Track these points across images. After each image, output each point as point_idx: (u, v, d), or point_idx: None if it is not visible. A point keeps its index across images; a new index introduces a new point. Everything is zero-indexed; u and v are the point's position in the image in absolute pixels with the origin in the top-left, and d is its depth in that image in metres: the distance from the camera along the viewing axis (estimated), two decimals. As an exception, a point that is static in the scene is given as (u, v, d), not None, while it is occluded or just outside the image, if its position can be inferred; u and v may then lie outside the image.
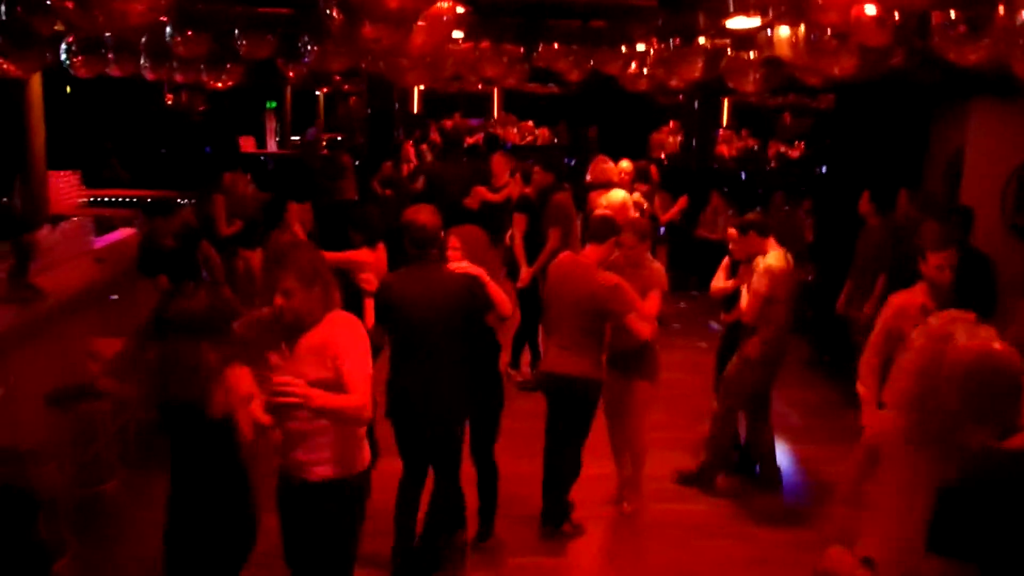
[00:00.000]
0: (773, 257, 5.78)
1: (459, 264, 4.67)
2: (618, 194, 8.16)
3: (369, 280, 5.71)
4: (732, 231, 6.02)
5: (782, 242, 6.04)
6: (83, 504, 5.39)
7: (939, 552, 2.24)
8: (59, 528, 4.83)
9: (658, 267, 5.71)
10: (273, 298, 3.49)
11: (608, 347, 5.48)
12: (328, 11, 4.15)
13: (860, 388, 4.82)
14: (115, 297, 6.92)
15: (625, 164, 8.71)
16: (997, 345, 2.44)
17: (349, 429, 3.60)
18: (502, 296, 4.71)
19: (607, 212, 6.52)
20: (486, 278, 4.64)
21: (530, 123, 17.49)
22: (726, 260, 6.21)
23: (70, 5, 3.02)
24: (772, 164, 14.72)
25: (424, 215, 4.72)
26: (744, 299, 5.91)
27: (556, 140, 17.17)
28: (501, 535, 5.43)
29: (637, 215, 8.26)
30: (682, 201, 9.61)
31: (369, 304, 5.12)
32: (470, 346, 4.69)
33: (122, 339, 3.51)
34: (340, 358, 3.45)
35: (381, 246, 6.16)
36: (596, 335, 5.27)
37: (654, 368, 5.68)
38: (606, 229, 5.34)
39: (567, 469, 5.45)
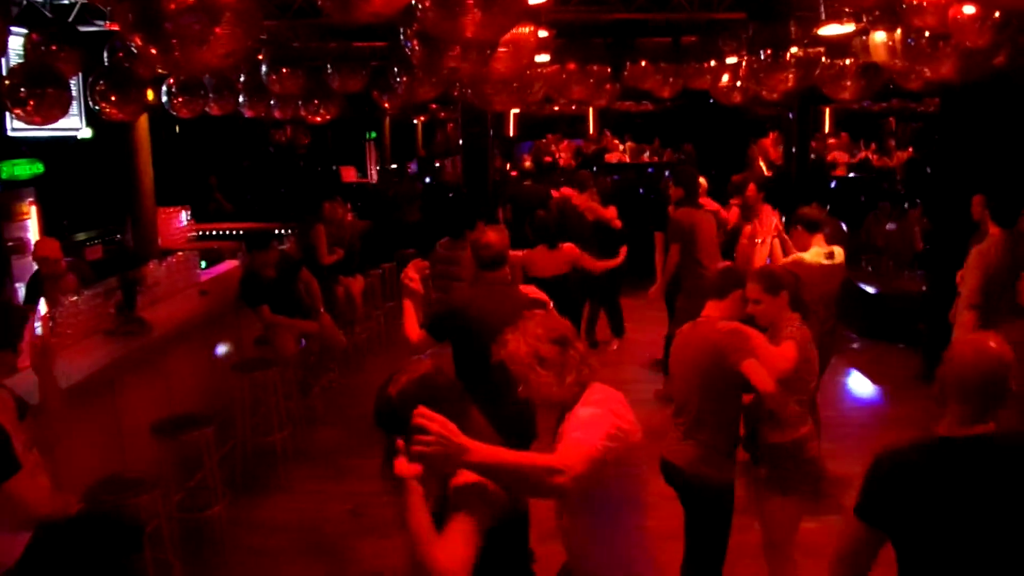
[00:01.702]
0: (810, 253, 5.74)
1: (528, 287, 4.59)
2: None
3: None
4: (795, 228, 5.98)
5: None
6: (188, 530, 5.54)
7: (859, 513, 2.54)
8: (165, 554, 4.98)
9: (804, 332, 4.28)
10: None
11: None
12: (409, 44, 4.21)
13: None
14: (223, 349, 7.13)
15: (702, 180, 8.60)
16: None
17: None
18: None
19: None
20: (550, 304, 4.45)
21: (616, 140, 17.32)
22: None
23: (154, 51, 3.13)
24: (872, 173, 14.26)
25: (492, 234, 4.65)
26: None
27: (654, 157, 16.98)
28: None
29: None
30: None
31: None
32: None
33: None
34: (569, 428, 2.80)
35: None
36: (723, 416, 4.08)
37: (796, 476, 4.19)
38: (726, 281, 4.31)
39: None
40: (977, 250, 5.78)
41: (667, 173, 10.53)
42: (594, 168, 13.64)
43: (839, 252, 5.91)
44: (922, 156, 13.98)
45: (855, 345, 9.87)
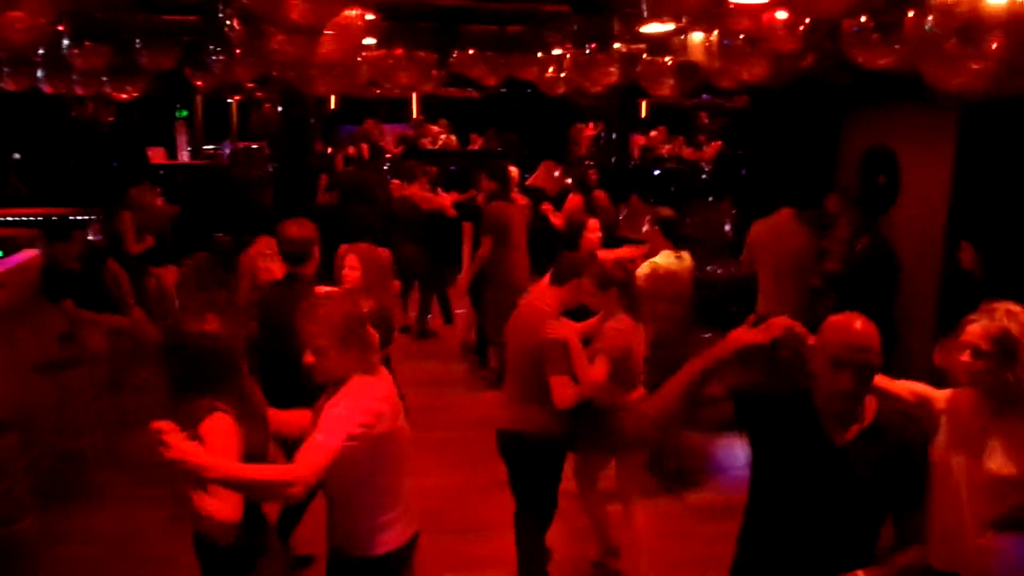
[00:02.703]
0: (661, 256, 6.04)
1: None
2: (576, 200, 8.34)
3: None
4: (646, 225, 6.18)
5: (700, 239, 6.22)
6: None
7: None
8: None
9: (612, 330, 4.66)
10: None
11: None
12: (229, 22, 3.98)
13: None
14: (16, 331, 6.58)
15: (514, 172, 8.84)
16: None
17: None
18: None
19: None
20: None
21: (437, 127, 17.20)
22: None
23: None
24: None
25: (293, 228, 4.67)
26: None
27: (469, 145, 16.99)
28: (428, 551, 5.34)
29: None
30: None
31: None
32: None
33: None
34: (321, 419, 3.11)
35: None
36: (543, 389, 4.51)
37: (619, 439, 4.75)
38: (567, 270, 4.61)
39: (526, 541, 4.76)
40: None
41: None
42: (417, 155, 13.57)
43: (686, 254, 6.18)
44: (732, 149, 14.74)
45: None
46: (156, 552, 5.28)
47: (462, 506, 5.77)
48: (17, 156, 13.15)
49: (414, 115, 18.14)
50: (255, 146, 15.05)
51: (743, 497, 6.15)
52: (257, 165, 13.36)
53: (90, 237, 7.77)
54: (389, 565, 3.40)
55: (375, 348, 3.36)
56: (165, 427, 2.63)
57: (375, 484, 3.31)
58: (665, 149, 15.92)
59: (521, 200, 8.34)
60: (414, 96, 17.54)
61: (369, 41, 6.82)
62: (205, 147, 17.02)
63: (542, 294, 4.72)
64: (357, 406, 3.11)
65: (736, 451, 6.91)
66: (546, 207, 8.67)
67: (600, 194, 9.36)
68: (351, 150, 13.80)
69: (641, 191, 9.71)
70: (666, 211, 6.35)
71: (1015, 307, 3.07)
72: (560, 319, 4.55)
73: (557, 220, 8.40)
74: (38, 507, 5.50)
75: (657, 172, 14.11)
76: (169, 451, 2.61)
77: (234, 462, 2.86)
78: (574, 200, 9.10)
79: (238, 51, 6.53)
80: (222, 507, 2.82)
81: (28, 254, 7.42)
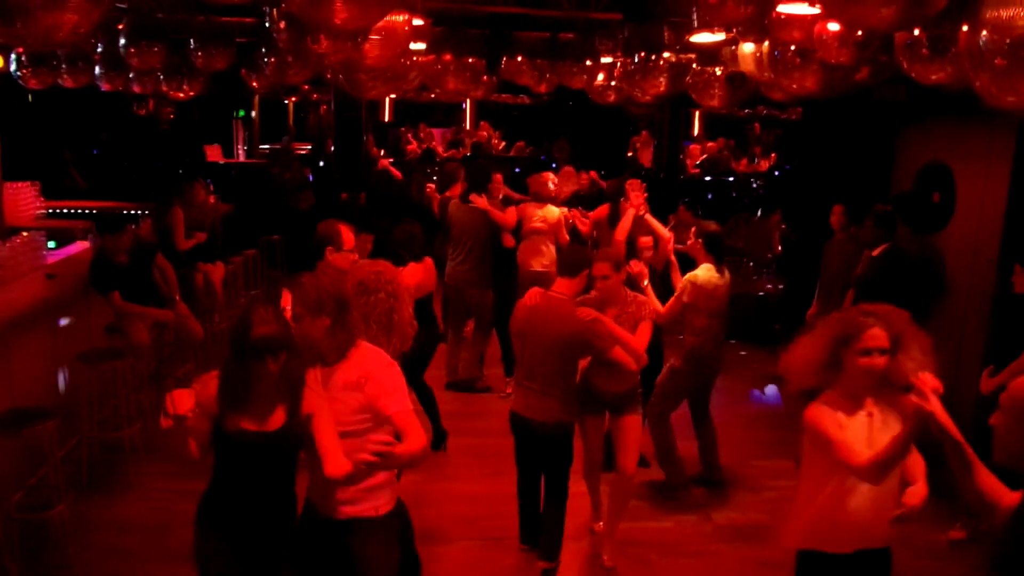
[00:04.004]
0: (702, 270, 6.03)
1: None
2: (553, 211, 8.22)
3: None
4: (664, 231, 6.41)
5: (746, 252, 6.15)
6: (29, 531, 5.20)
7: None
8: (1, 558, 4.66)
9: (642, 298, 5.17)
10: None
11: (599, 391, 5.19)
12: (275, 26, 4.02)
13: None
14: (64, 321, 6.71)
15: (553, 177, 8.74)
16: None
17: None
18: None
19: (542, 226, 7.84)
20: None
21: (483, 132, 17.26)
22: None
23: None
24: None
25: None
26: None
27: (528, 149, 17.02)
28: (462, 559, 5.36)
29: (567, 234, 8.34)
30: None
31: None
32: None
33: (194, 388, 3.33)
34: (382, 399, 3.38)
35: (428, 260, 6.31)
36: (572, 377, 4.98)
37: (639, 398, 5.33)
38: (577, 261, 4.95)
39: (552, 508, 5.12)
40: None
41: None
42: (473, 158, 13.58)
43: (725, 270, 6.14)
44: (784, 162, 14.55)
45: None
46: (188, 544, 5.35)
47: (497, 513, 5.73)
48: (69, 154, 13.39)
49: (467, 120, 18.25)
50: (280, 147, 15.22)
51: (769, 518, 6.10)
52: (288, 166, 13.48)
53: (139, 231, 7.88)
54: (391, 523, 3.61)
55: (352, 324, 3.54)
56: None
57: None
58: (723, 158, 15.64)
59: (481, 204, 8.04)
60: (467, 101, 17.62)
61: (419, 46, 6.85)
62: (262, 146, 17.28)
63: (553, 287, 4.95)
64: (395, 370, 3.50)
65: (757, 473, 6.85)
66: (574, 212, 8.56)
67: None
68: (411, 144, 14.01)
69: (688, 202, 9.57)
70: (712, 225, 6.30)
71: None
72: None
73: (584, 226, 8.32)
74: (74, 494, 5.61)
75: (708, 183, 13.97)
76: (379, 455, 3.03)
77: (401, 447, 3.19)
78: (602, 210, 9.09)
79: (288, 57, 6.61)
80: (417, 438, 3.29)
81: (80, 246, 7.58)
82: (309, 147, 16.12)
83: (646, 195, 6.65)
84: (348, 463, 3.22)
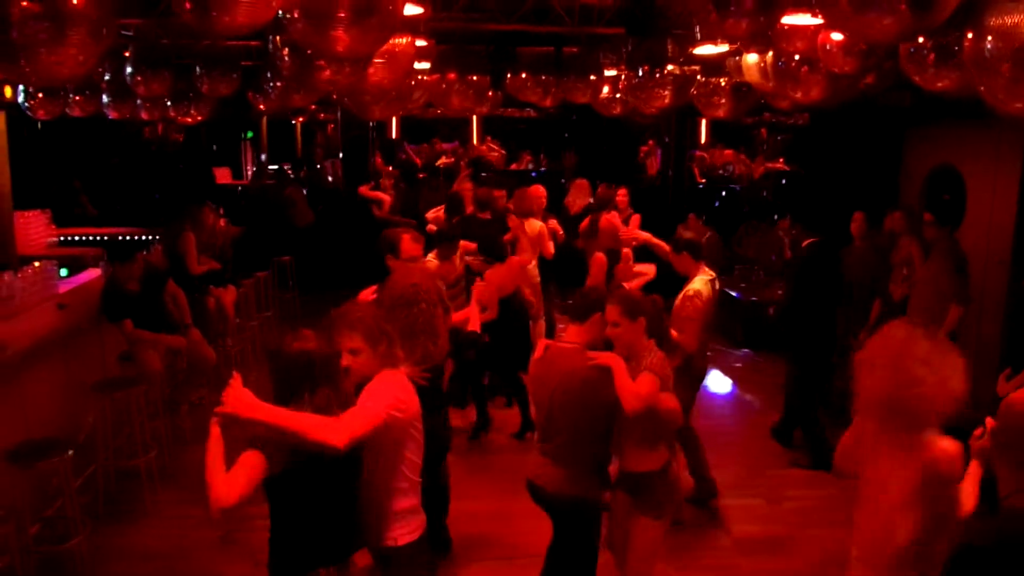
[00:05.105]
0: (700, 282, 5.75)
1: None
2: (535, 224, 8.25)
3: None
4: (667, 246, 6.07)
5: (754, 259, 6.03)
6: (47, 563, 5.21)
7: None
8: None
9: (659, 356, 4.17)
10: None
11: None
12: (279, 53, 4.05)
13: None
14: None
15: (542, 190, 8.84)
16: None
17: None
18: None
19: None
20: None
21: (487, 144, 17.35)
22: None
23: (-2, 63, 2.89)
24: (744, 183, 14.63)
25: None
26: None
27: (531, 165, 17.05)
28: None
29: (551, 244, 8.35)
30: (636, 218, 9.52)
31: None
32: None
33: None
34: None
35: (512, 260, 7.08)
36: (595, 445, 4.15)
37: (667, 500, 4.30)
38: (587, 305, 4.23)
39: None
40: None
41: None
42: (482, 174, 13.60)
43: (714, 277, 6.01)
44: (791, 167, 14.51)
45: (728, 354, 10.13)
46: (207, 570, 5.36)
47: (511, 532, 5.71)
48: (79, 183, 13.49)
49: (474, 135, 18.30)
50: (271, 167, 15.36)
51: (788, 531, 6.05)
52: (293, 186, 13.59)
53: (150, 257, 7.91)
54: (411, 555, 3.52)
55: (398, 343, 3.59)
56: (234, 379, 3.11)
57: (400, 469, 3.50)
58: (737, 166, 15.55)
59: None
60: (474, 116, 17.66)
61: (423, 65, 6.87)
62: (270, 167, 17.36)
63: (563, 336, 4.38)
64: (389, 392, 3.39)
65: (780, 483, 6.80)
66: (552, 223, 8.72)
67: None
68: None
69: (698, 211, 9.58)
70: (688, 234, 6.20)
71: None
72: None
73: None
74: (91, 524, 5.62)
75: (715, 191, 13.94)
76: (223, 406, 3.05)
77: (279, 409, 3.11)
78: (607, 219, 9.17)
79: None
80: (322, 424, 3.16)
81: (91, 274, 7.60)
82: (319, 166, 16.26)
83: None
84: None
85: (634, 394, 3.90)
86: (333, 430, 3.10)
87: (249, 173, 16.72)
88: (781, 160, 15.70)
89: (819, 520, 6.00)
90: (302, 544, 3.29)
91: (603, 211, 8.70)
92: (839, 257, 7.54)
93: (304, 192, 13.54)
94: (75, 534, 5.24)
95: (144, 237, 10.79)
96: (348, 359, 3.42)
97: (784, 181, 13.56)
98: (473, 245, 7.30)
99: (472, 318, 5.41)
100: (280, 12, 3.38)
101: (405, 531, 3.52)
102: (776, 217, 11.66)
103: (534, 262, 8.42)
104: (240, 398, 3.06)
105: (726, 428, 7.77)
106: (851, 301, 7.57)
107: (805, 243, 7.33)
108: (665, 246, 6.28)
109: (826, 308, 7.04)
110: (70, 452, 5.07)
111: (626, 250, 5.78)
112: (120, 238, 10.82)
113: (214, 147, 17.00)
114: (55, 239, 10.94)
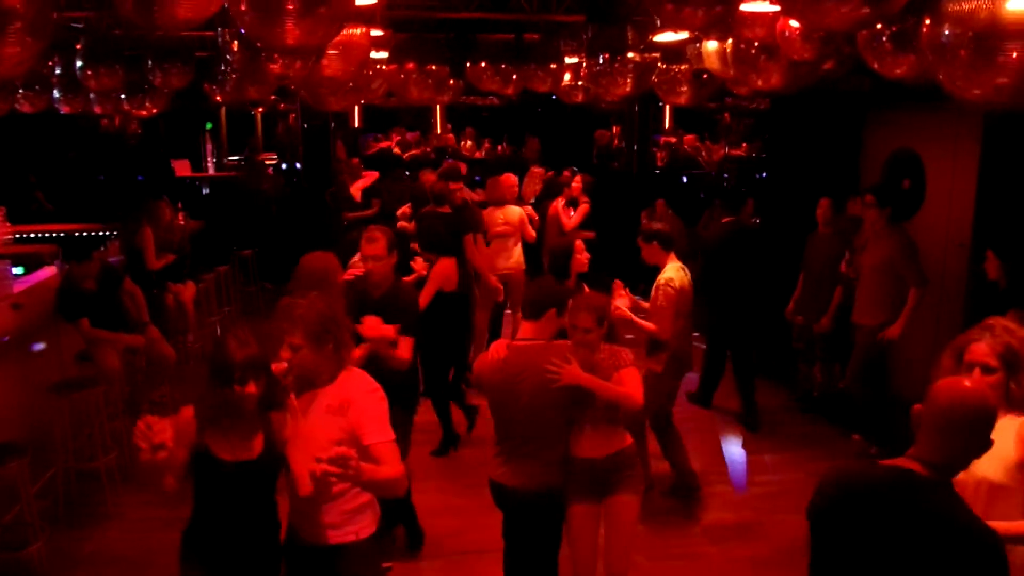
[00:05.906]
0: (672, 270, 5.73)
1: None
2: (514, 211, 8.30)
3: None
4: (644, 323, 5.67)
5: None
6: (5, 570, 5.11)
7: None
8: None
9: (615, 348, 4.22)
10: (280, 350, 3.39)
11: (583, 464, 4.21)
12: (228, 47, 3.94)
13: None
14: (41, 346, 6.60)
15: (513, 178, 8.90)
16: None
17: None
18: None
19: (507, 228, 8.17)
20: None
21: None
22: None
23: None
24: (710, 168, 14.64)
25: None
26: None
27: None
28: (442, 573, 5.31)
29: (533, 232, 8.39)
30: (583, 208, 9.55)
31: None
32: None
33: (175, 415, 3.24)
34: (363, 427, 3.32)
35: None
36: (559, 434, 4.17)
37: (644, 472, 4.49)
38: (540, 300, 4.21)
39: None
40: None
41: None
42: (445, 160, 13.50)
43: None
44: (752, 152, 14.55)
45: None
46: (172, 574, 5.25)
47: (477, 526, 5.65)
48: (34, 178, 13.20)
49: (437, 123, 18.19)
50: (246, 158, 15.15)
51: (756, 516, 6.07)
52: (262, 178, 13.41)
53: (107, 253, 7.75)
54: (371, 547, 3.53)
55: (349, 346, 3.55)
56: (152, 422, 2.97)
57: None
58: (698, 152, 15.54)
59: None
60: (436, 105, 17.53)
61: (381, 55, 6.77)
62: (230, 158, 17.10)
63: (518, 335, 4.33)
64: (384, 404, 3.43)
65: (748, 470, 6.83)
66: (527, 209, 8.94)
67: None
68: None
69: (666, 198, 9.59)
70: (657, 225, 6.15)
71: (1008, 322, 3.25)
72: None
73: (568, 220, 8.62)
74: (50, 529, 5.51)
75: (677, 177, 13.95)
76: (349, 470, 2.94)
77: (373, 467, 3.16)
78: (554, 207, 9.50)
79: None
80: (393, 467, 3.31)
81: (47, 272, 7.44)
82: (274, 157, 16.03)
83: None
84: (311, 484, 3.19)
85: (629, 396, 4.03)
86: (403, 471, 3.36)
87: (210, 165, 16.46)
88: (744, 145, 15.75)
89: (786, 506, 6.02)
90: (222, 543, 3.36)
91: (550, 199, 8.81)
92: (757, 239, 8.02)
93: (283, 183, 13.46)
94: (33, 540, 5.14)
95: (101, 233, 10.59)
96: (288, 353, 3.36)
97: (743, 166, 13.60)
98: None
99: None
100: (226, 4, 3.28)
101: (364, 524, 3.51)
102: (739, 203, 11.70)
103: (519, 248, 8.52)
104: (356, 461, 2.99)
105: (688, 415, 7.77)
106: (815, 287, 7.59)
107: (724, 219, 7.81)
108: (641, 323, 5.69)
109: (736, 286, 7.46)
110: (26, 458, 4.96)
111: (578, 242, 5.65)
112: (77, 234, 10.60)
113: (172, 139, 16.70)
114: (10, 236, 10.69)
